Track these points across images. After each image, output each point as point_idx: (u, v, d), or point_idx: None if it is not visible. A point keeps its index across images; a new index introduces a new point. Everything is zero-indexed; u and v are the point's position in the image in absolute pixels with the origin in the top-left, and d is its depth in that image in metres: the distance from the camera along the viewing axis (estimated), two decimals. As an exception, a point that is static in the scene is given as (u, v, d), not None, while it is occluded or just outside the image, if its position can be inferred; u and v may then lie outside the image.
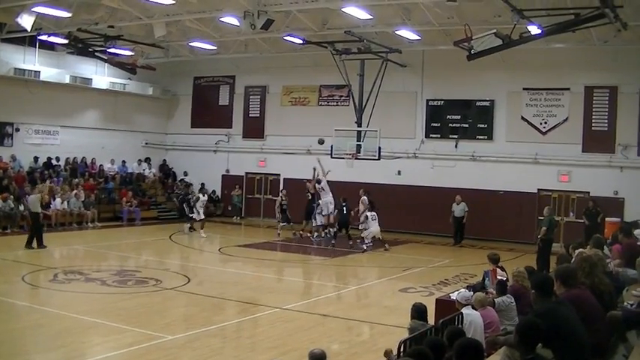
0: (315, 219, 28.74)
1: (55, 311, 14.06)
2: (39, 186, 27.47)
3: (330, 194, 28.36)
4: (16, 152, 31.65)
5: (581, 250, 12.42)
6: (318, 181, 28.44)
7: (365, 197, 27.28)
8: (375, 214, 26.22)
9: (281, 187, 33.86)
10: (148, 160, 38.51)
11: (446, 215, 29.61)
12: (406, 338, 8.91)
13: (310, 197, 28.98)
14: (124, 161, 36.71)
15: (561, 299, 8.12)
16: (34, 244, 23.59)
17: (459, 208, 29.09)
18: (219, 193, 38.08)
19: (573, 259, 11.22)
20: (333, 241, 27.31)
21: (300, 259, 25.08)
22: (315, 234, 28.89)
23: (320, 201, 28.43)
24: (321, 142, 29.79)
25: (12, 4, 25.07)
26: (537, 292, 8.13)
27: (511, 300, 11.10)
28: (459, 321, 9.99)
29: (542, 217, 23.87)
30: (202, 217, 29.38)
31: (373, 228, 26.13)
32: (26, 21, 24.68)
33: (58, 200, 29.87)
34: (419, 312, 10.09)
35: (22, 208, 28.04)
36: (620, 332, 8.66)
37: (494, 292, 11.94)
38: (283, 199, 30.05)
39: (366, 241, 26.29)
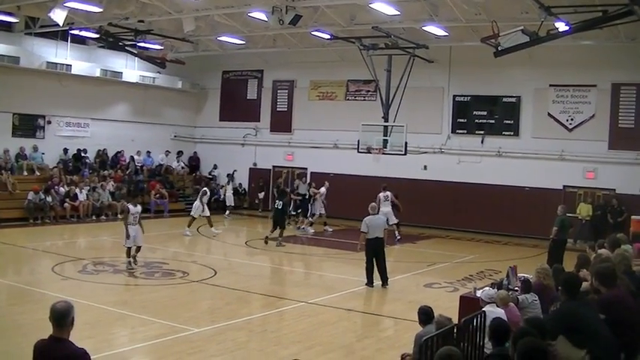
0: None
1: (84, 302, 14.18)
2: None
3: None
4: (48, 144, 32.15)
5: (601, 251, 12.44)
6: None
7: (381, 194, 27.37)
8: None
9: (308, 180, 33.81)
10: (180, 153, 38.83)
11: (470, 210, 30.01)
12: (432, 335, 8.73)
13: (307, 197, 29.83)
14: (148, 152, 37.08)
15: (585, 301, 8.27)
16: None
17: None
18: (245, 186, 38.29)
19: (592, 260, 11.27)
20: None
21: (326, 253, 25.20)
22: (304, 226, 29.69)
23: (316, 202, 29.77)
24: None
25: (45, -1, 25.49)
26: (563, 291, 8.28)
27: (534, 298, 11.16)
28: (482, 318, 10.05)
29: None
30: (208, 213, 27.77)
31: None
32: (58, 16, 25.00)
33: (84, 192, 30.34)
34: (427, 315, 10.09)
35: (50, 199, 28.51)
36: None
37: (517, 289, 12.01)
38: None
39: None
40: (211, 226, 27.38)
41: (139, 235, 19.40)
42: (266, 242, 25.32)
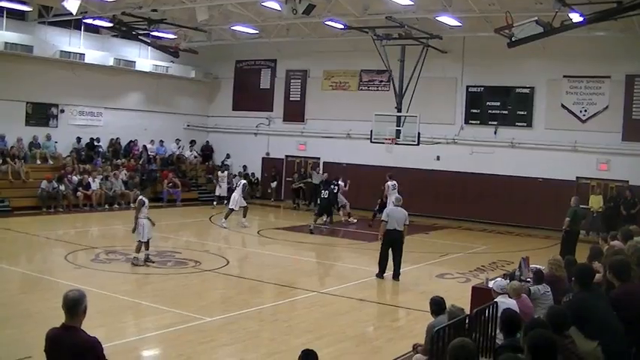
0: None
1: (96, 290, 14.14)
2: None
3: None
4: (61, 133, 32.24)
5: (613, 242, 12.38)
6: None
7: (390, 183, 27.16)
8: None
9: (320, 170, 33.84)
10: (193, 142, 38.88)
11: (483, 201, 29.96)
12: (444, 325, 8.61)
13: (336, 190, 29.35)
14: (161, 141, 37.11)
15: (598, 292, 8.25)
16: None
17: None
18: (258, 175, 38.31)
19: (605, 252, 11.22)
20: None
21: (338, 243, 25.23)
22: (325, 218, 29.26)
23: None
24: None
25: (58, -13, 25.52)
26: (576, 282, 8.27)
27: (547, 289, 11.12)
28: (493, 309, 10.03)
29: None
30: (244, 204, 27.26)
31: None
32: (72, 5, 24.99)
33: (96, 181, 30.46)
34: (439, 305, 10.07)
35: (63, 188, 28.60)
36: None
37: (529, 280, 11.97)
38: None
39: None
40: (244, 216, 27.28)
41: (150, 229, 18.98)
42: (311, 232, 26.06)
